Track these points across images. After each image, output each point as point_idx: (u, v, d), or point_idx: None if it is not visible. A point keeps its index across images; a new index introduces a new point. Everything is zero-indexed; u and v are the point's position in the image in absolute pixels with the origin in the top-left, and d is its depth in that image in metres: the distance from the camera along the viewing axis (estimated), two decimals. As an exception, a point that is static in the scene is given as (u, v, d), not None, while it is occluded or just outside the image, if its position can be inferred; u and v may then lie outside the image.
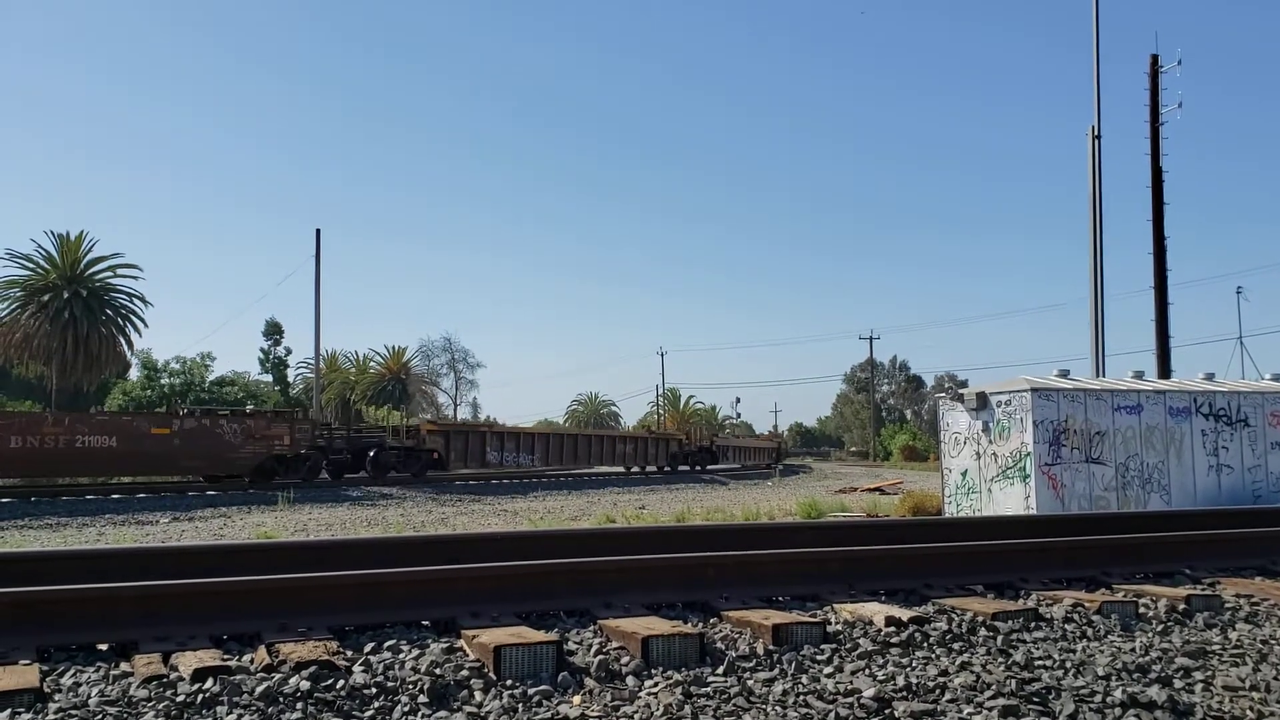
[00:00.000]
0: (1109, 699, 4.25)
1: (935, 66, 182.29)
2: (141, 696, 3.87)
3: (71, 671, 4.19)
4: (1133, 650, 5.13)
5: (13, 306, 54.10)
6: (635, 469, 46.32)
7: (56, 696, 3.89)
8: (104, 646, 4.61)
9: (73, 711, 3.73)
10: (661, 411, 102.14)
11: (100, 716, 3.70)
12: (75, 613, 4.64)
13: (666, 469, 47.23)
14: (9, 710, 3.68)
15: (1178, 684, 4.59)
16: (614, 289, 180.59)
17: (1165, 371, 25.60)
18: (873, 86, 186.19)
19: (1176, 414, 17.50)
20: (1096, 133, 25.73)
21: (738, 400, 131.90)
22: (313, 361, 56.63)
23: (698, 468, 50.01)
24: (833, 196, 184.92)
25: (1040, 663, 4.79)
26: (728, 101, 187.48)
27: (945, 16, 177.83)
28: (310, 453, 30.87)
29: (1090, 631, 5.54)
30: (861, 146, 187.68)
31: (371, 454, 33.50)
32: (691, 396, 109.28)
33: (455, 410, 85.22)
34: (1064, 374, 17.98)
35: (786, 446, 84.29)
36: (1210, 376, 19.67)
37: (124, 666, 4.27)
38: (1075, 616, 5.80)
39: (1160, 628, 5.74)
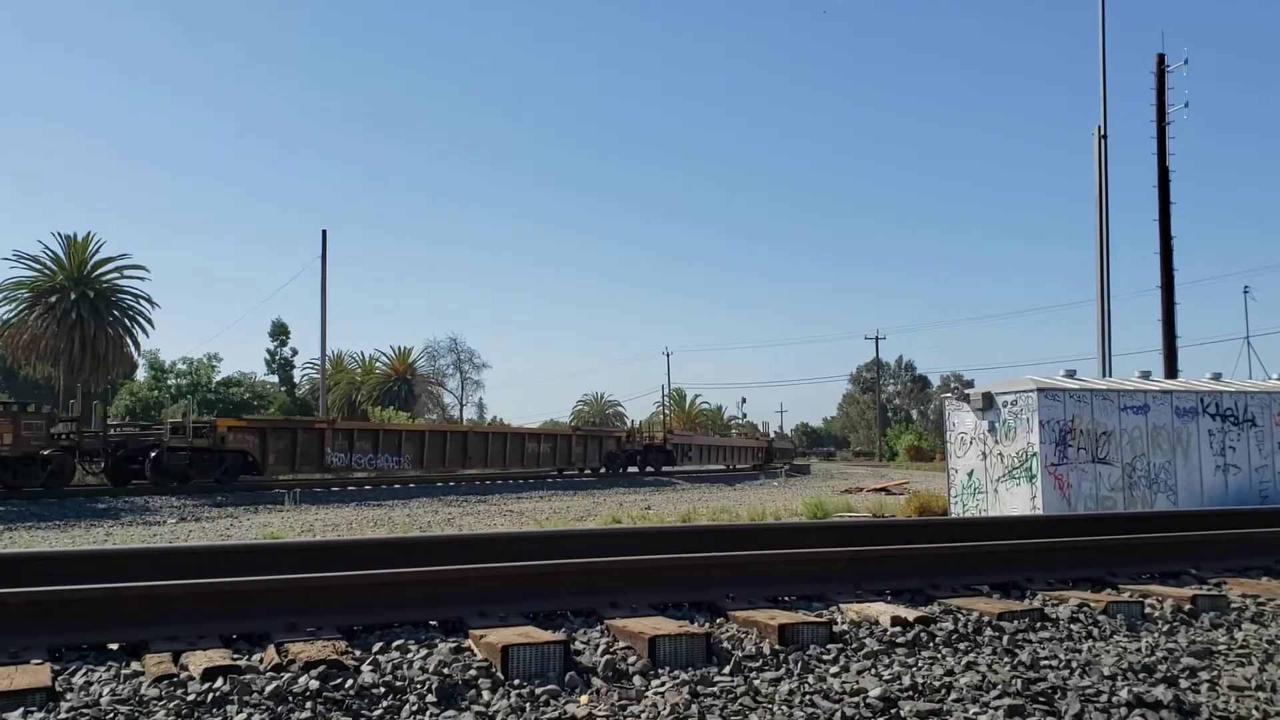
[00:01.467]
0: (1115, 699, 4.26)
1: (940, 66, 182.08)
2: (152, 695, 3.90)
3: (83, 671, 4.22)
4: (1138, 650, 5.14)
5: (20, 308, 54.38)
6: (555, 473, 39.57)
7: (68, 695, 3.92)
8: (115, 646, 4.64)
9: (84, 710, 3.75)
10: (667, 412, 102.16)
11: (112, 715, 3.72)
12: (86, 612, 4.66)
13: (604, 471, 41.37)
14: (21, 709, 3.71)
15: (1183, 684, 4.60)
16: (620, 289, 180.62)
17: (1172, 371, 25.57)
18: (878, 86, 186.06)
19: (1183, 414, 17.47)
20: (1103, 132, 25.71)
21: (743, 400, 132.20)
22: (319, 362, 56.71)
23: (650, 470, 44.08)
24: (839, 196, 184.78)
25: (1046, 663, 4.80)
26: (733, 101, 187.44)
27: (951, 16, 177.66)
28: (55, 454, 25.03)
29: (1096, 632, 5.55)
30: (868, 146, 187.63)
31: (152, 456, 26.70)
32: (698, 396, 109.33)
33: (461, 411, 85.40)
34: (1070, 374, 17.97)
35: (796, 446, 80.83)
36: (1217, 376, 19.63)
37: (135, 666, 4.30)
38: (1081, 616, 5.81)
39: (1166, 628, 5.74)
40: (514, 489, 31.41)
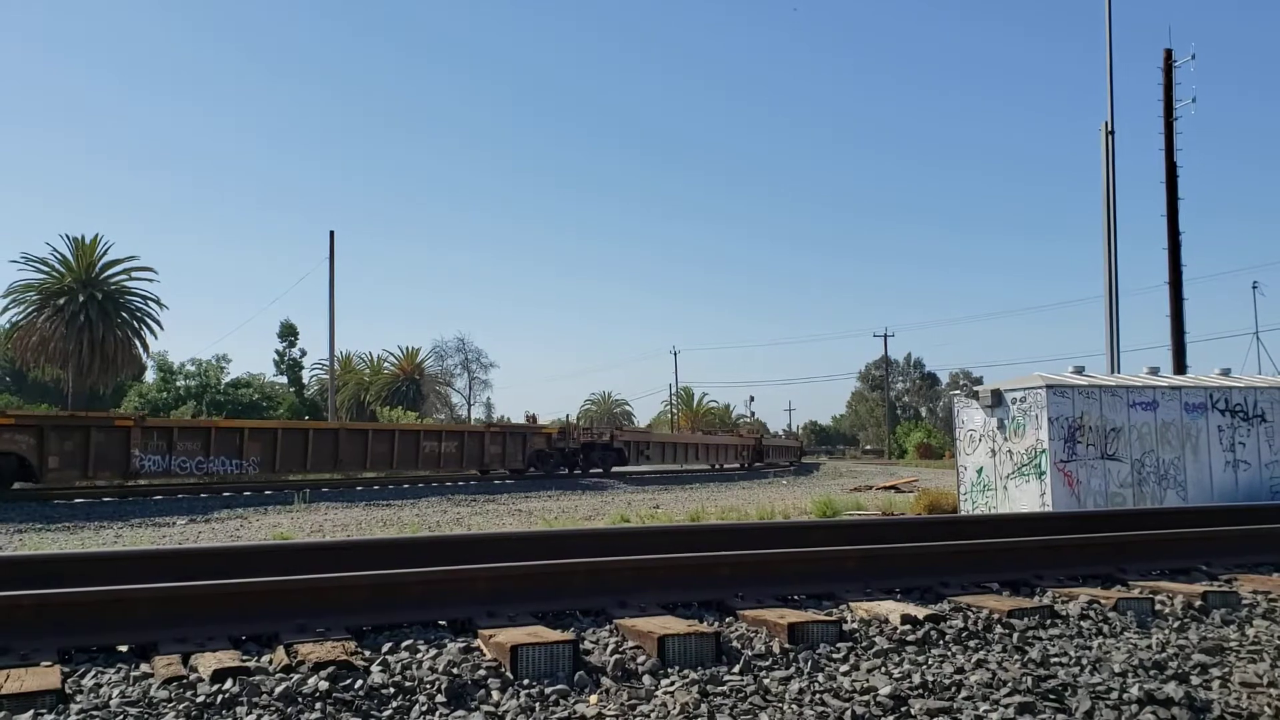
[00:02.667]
0: (1125, 696, 4.24)
1: (948, 65, 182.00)
2: (162, 697, 3.90)
3: (92, 673, 4.22)
4: (1149, 647, 5.12)
5: (29, 310, 54.59)
6: (474, 474, 35.18)
7: (78, 697, 3.93)
8: (124, 648, 4.64)
9: (94, 712, 3.75)
10: (675, 410, 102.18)
11: (121, 717, 3.72)
12: (95, 614, 4.67)
13: (535, 472, 36.36)
14: (31, 711, 3.71)
15: (1195, 681, 4.58)
16: (627, 288, 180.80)
17: (1181, 367, 25.51)
18: (886, 85, 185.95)
19: (1192, 410, 17.43)
20: (1110, 128, 25.65)
21: (751, 399, 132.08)
22: (327, 363, 56.81)
23: (595, 470, 39.17)
24: (847, 195, 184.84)
25: (1056, 660, 4.79)
26: (741, 101, 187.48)
27: (959, 16, 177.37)
28: None
29: (1106, 628, 5.54)
30: (876, 145, 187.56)
31: None
32: (705, 395, 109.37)
33: (469, 410, 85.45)
34: (1079, 370, 17.93)
35: (802, 444, 78.58)
36: (1226, 372, 19.57)
37: (144, 667, 4.30)
38: (1091, 613, 5.79)
39: (1177, 624, 5.72)
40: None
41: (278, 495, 24.58)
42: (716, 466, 50.72)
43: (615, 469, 40.59)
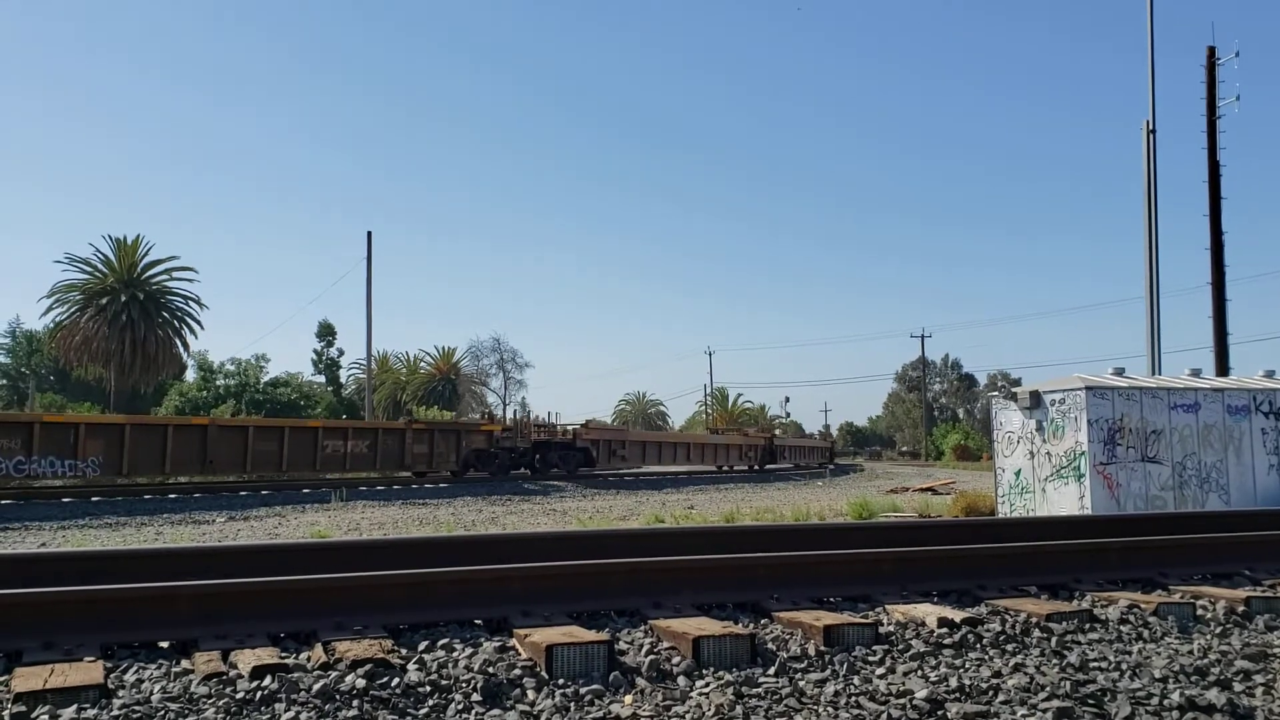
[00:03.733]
0: (1166, 702, 4.19)
1: (987, 67, 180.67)
2: (202, 693, 3.95)
3: (134, 668, 4.28)
4: (1190, 652, 5.06)
5: (72, 310, 55.35)
6: (418, 477, 31.49)
7: (120, 693, 3.98)
8: (165, 644, 4.70)
9: (136, 707, 3.80)
10: (710, 411, 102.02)
11: (162, 713, 3.77)
12: (138, 611, 4.73)
13: (483, 473, 33.14)
14: (75, 705, 3.76)
15: (1237, 687, 4.52)
16: (663, 289, 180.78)
17: (1223, 369, 25.18)
18: (923, 87, 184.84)
19: (1235, 412, 17.18)
20: (1151, 127, 25.35)
21: (787, 400, 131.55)
22: (364, 362, 57.19)
23: (557, 472, 34.96)
24: (885, 197, 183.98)
25: (1095, 665, 4.74)
26: (779, 103, 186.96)
27: (1002, 17, 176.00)
28: None
29: (1146, 633, 5.47)
30: (914, 146, 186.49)
31: None
32: (740, 395, 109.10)
33: (504, 410, 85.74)
34: (1119, 372, 17.72)
35: (834, 445, 76.59)
36: (1270, 374, 19.27)
37: (185, 664, 4.36)
38: (1131, 618, 5.73)
39: (1219, 630, 5.65)
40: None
41: (315, 494, 24.79)
42: (724, 468, 46.67)
43: (587, 471, 36.16)
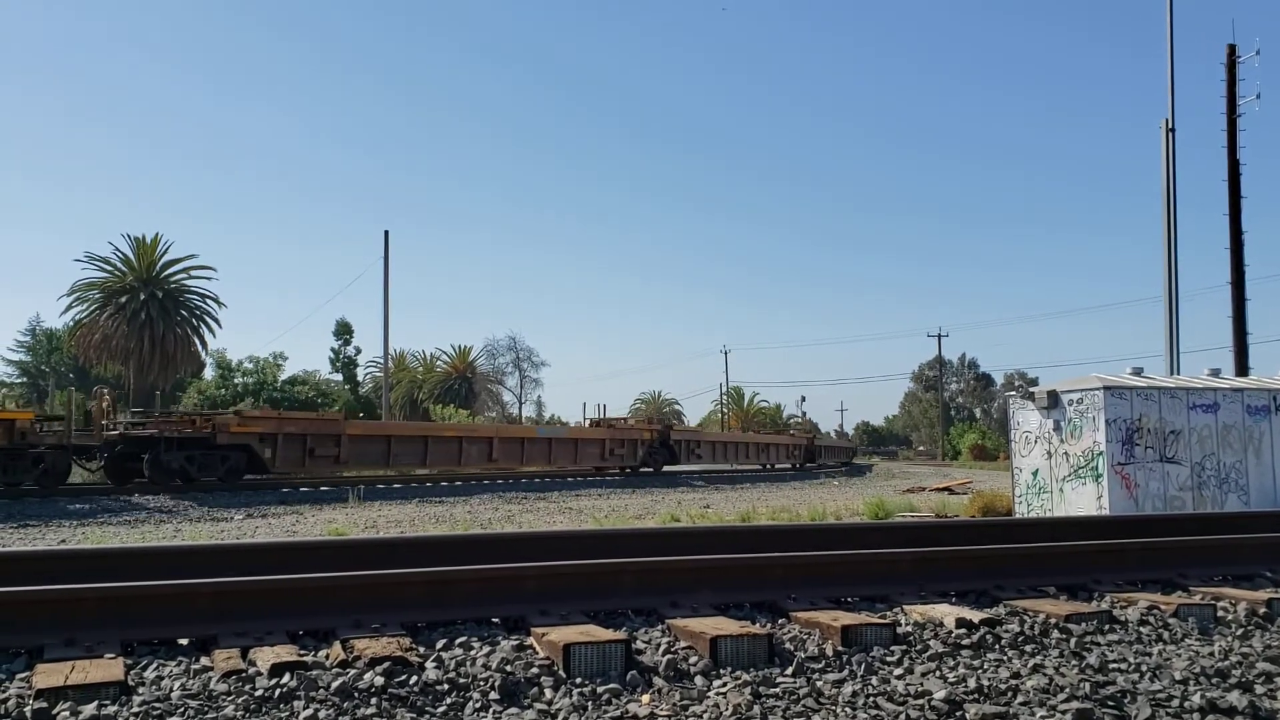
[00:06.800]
0: (1186, 704, 4.17)
1: (1003, 66, 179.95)
2: (221, 690, 3.97)
3: (154, 665, 4.30)
4: (1211, 654, 5.03)
5: (92, 308, 55.74)
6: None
7: (140, 690, 4.00)
8: (184, 641, 4.72)
9: (156, 704, 3.82)
10: (725, 410, 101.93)
11: (182, 709, 3.79)
12: (157, 608, 4.76)
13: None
14: (96, 702, 3.78)
15: (1259, 689, 4.49)
16: (678, 288, 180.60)
17: (1243, 368, 25.03)
18: (940, 87, 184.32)
19: (1255, 412, 17.07)
20: (1171, 126, 25.21)
21: (803, 399, 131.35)
22: (381, 360, 57.37)
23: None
24: (901, 197, 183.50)
25: (1115, 666, 4.72)
26: (795, 103, 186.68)
27: (1018, 17, 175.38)
28: None
29: (1166, 634, 5.45)
30: (930, 147, 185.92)
31: None
32: (756, 395, 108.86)
33: (520, 409, 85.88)
34: (1137, 371, 17.63)
35: (852, 444, 76.52)
36: (1291, 374, 19.16)
37: (204, 661, 4.38)
38: (1151, 619, 5.70)
39: (1240, 631, 5.62)
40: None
41: (333, 492, 24.86)
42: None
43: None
